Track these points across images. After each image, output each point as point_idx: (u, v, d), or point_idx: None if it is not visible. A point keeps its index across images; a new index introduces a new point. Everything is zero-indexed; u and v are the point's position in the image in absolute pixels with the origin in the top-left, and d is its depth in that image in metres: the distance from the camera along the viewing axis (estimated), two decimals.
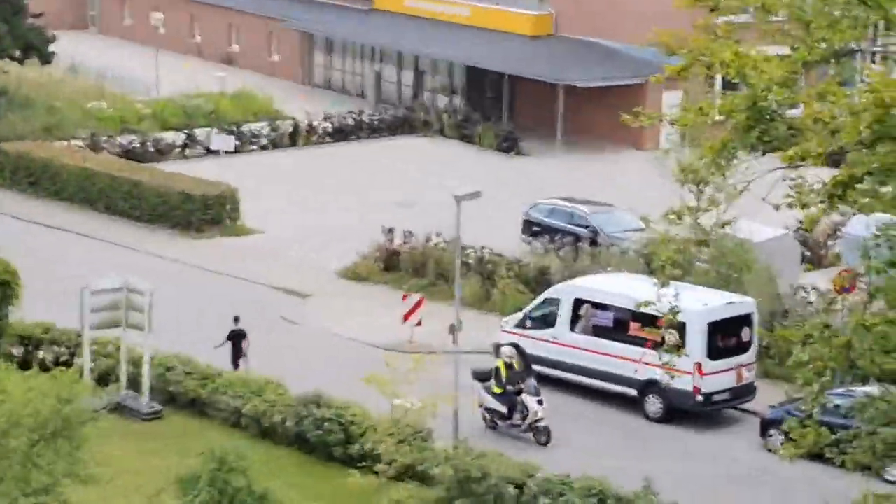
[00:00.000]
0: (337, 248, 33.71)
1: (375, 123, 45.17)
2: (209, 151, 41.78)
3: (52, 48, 45.03)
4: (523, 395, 23.26)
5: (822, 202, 13.41)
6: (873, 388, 15.35)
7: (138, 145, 40.72)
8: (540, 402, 23.04)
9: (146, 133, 41.69)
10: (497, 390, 23.87)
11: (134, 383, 24.59)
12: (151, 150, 40.89)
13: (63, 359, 25.51)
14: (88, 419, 19.40)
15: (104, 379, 24.68)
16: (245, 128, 43.20)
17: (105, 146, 39.88)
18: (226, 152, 41.63)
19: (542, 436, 22.86)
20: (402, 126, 45.53)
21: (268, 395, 23.25)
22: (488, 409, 23.51)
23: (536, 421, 22.92)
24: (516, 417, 23.32)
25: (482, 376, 24.10)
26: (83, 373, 23.29)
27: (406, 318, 26.87)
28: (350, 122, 44.67)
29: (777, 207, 14.20)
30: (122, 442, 22.36)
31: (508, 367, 23.83)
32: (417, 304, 26.77)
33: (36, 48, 44.38)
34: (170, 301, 26.58)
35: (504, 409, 23.37)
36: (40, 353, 25.79)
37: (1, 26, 41.90)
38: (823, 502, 18.65)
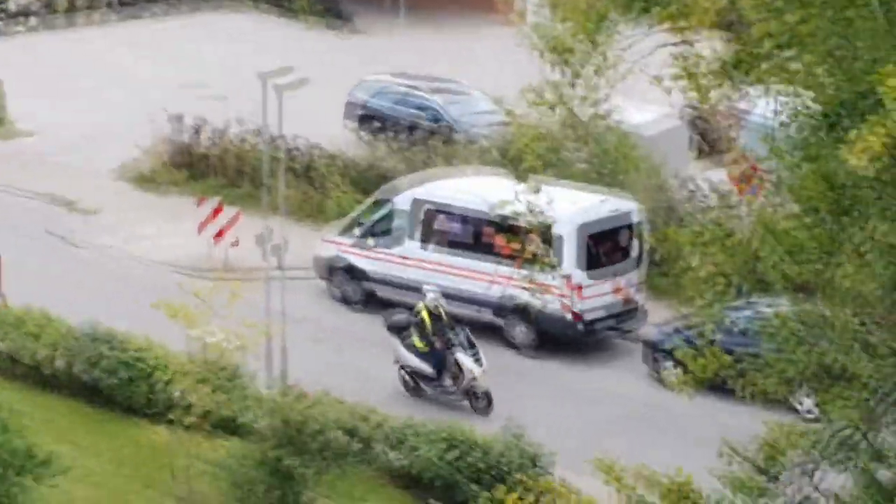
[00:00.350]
0: (120, 146, 30.15)
1: None
2: None
3: None
4: (455, 351, 20.59)
5: (715, 76, 11.78)
6: (783, 304, 12.88)
7: None
8: (477, 360, 20.45)
9: None
10: (420, 346, 21.00)
11: None
12: None
13: None
14: None
15: None
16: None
17: None
18: None
19: (480, 402, 20.32)
20: None
21: (39, 331, 21.16)
22: (410, 370, 20.86)
23: (473, 383, 20.23)
24: (447, 380, 20.76)
25: (399, 327, 21.20)
26: None
27: (202, 228, 23.28)
28: None
29: (659, 81, 11.98)
30: None
31: (434, 315, 20.86)
32: (217, 211, 23.06)
33: None
34: None
35: (430, 370, 20.67)
36: None
37: None
38: (725, 441, 15.97)
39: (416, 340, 20.40)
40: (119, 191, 29.78)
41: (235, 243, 23.27)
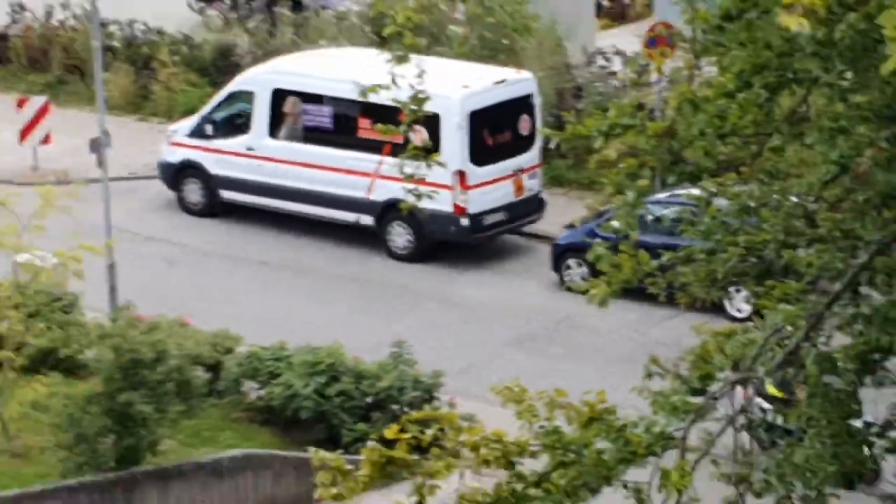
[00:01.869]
0: None
1: None
2: None
3: None
4: None
5: None
6: (707, 190, 11.16)
7: None
8: None
9: None
10: None
11: None
12: None
13: None
14: None
15: None
16: None
17: None
18: None
19: None
20: None
21: None
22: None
23: None
24: None
25: None
26: None
27: (24, 134, 19.98)
28: None
29: None
30: None
31: None
32: (42, 111, 19.92)
33: None
34: None
35: None
36: None
37: None
38: (651, 358, 15.63)
39: None
40: None
41: (46, 140, 20.22)
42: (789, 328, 9.63)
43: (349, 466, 8.85)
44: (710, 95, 9.85)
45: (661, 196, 15.05)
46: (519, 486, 9.31)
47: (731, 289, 15.03)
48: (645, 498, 8.75)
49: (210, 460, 15.53)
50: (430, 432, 9.89)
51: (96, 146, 17.02)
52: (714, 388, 9.70)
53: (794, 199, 9.91)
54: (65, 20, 23.29)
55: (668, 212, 15.70)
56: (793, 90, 9.08)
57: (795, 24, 6.60)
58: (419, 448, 8.79)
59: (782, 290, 10.09)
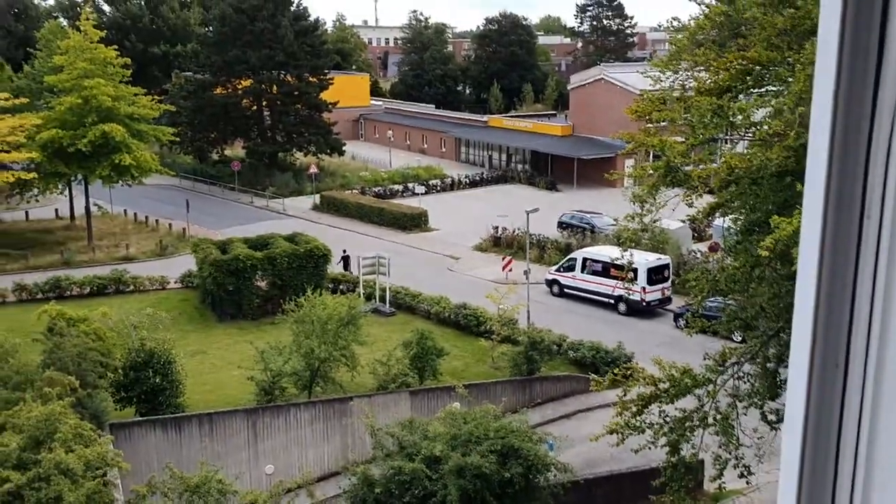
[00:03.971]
0: (472, 237, 53.29)
1: (489, 178, 75.50)
2: (414, 194, 68.41)
3: (344, 148, 76.73)
4: None
5: (705, 213, 17.67)
6: (727, 299, 19.32)
7: (383, 191, 69.53)
8: None
9: (386, 185, 71.78)
10: None
11: (382, 299, 38.48)
12: (387, 193, 68.90)
13: (350, 289, 40.09)
14: (361, 316, 29.31)
15: (369, 297, 38.18)
16: (430, 182, 72.22)
17: (368, 192, 68.45)
18: (421, 194, 68.24)
19: None
20: (502, 179, 75.64)
21: (441, 303, 37.35)
22: None
23: None
24: None
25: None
26: (360, 295, 35.24)
27: (503, 268, 44.31)
28: (478, 178, 75.38)
29: (689, 203, 17.33)
30: (377, 326, 33.89)
31: None
32: (508, 261, 44.02)
33: (336, 149, 76.71)
34: (397, 261, 41.39)
35: None
36: (341, 286, 40.77)
37: (321, 139, 69.41)
38: (705, 353, 20.11)
39: None
40: (470, 252, 51.23)
41: (510, 271, 42.34)
42: (752, 345, 16.67)
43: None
44: (729, 268, 17.68)
45: (711, 300, 22.53)
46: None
47: (735, 331, 22.14)
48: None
49: None
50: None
51: (526, 273, 40.86)
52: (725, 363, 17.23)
53: (757, 309, 16.21)
54: (517, 234, 50.10)
55: (714, 305, 24.67)
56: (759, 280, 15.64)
57: (763, 252, 13.40)
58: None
59: (751, 333, 16.84)
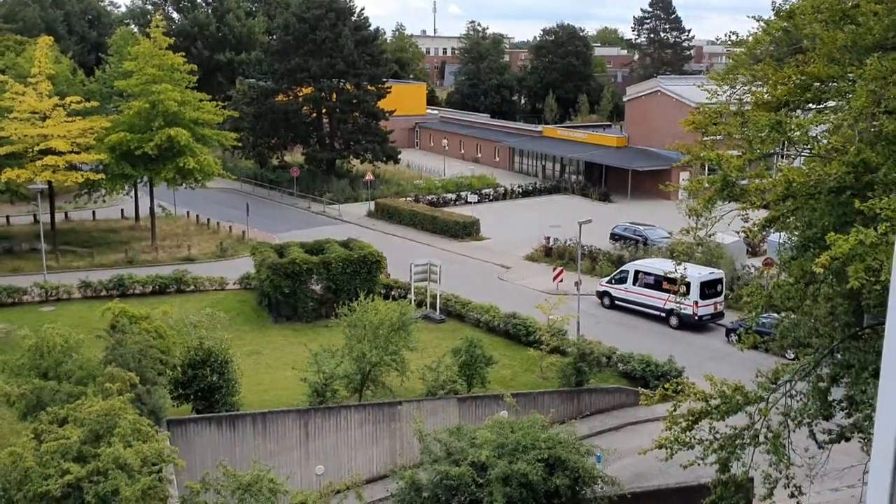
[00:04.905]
0: (523, 246, 54.28)
1: (542, 188, 75.59)
2: (466, 202, 69.29)
3: (399, 157, 78.46)
4: None
5: (760, 227, 16.71)
6: (781, 316, 18.80)
7: (436, 199, 70.49)
8: None
9: (439, 193, 72.61)
10: None
11: (433, 306, 39.82)
12: (441, 201, 69.81)
13: (402, 294, 40.66)
14: (412, 322, 29.67)
15: (420, 304, 39.63)
16: (483, 191, 72.92)
17: (421, 200, 69.61)
18: (473, 203, 69.06)
19: None
20: (555, 190, 75.86)
21: (491, 312, 38.07)
22: None
23: None
24: None
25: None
26: (411, 301, 37.06)
27: (554, 279, 44.98)
28: (530, 188, 75.35)
29: (745, 218, 16.63)
30: (426, 333, 34.98)
31: None
32: (559, 272, 44.86)
33: (391, 157, 77.88)
34: (448, 269, 42.56)
35: None
36: (392, 292, 41.36)
37: (377, 147, 70.64)
38: (756, 369, 19.83)
39: None
40: (521, 262, 51.73)
41: (561, 281, 43.37)
42: (806, 362, 16.19)
43: None
44: (783, 284, 16.79)
45: (765, 315, 21.44)
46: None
47: (788, 348, 22.48)
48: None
49: None
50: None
51: (577, 284, 40.83)
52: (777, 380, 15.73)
53: (814, 324, 16.02)
54: (569, 244, 50.08)
55: (767, 321, 24.31)
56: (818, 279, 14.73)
57: (818, 268, 12.28)
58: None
59: (806, 350, 16.52)
